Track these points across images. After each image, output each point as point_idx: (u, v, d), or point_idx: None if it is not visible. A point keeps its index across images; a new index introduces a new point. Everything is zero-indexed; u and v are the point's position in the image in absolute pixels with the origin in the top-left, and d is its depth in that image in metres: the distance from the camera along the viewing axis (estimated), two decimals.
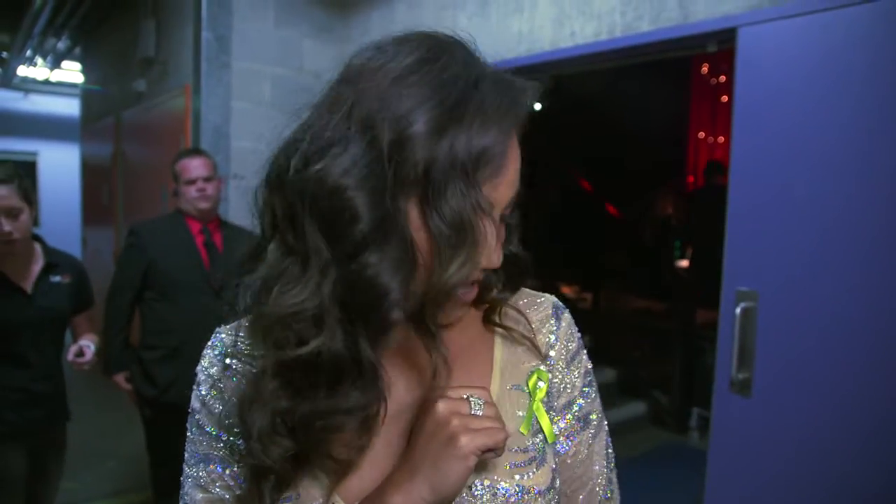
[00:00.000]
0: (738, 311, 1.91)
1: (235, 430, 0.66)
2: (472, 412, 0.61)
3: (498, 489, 0.64)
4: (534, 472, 0.66)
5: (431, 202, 0.53)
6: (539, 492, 0.66)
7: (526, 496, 0.65)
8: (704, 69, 5.54)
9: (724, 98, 5.56)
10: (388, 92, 0.55)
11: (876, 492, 1.68)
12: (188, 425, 0.72)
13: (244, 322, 0.69)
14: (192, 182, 2.47)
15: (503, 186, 0.58)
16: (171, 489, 2.55)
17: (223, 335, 0.72)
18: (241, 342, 0.69)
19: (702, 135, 5.82)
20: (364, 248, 0.54)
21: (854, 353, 1.72)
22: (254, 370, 0.64)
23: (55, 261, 2.17)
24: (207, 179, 2.49)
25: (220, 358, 0.70)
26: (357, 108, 0.55)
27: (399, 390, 0.67)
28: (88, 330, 2.31)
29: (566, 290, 5.40)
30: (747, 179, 1.93)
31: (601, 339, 4.54)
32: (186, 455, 0.72)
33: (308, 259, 0.57)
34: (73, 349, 2.16)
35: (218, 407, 0.68)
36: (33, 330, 2.05)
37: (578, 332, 0.77)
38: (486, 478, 0.64)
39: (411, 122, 0.53)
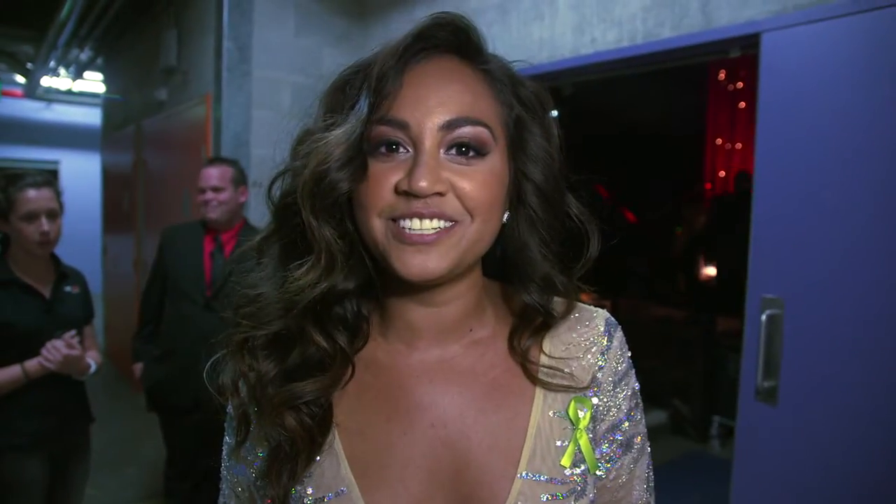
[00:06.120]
0: (763, 318, 1.89)
1: (259, 452, 0.68)
2: None
3: None
4: None
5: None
6: None
7: None
8: (721, 75, 5.50)
9: (742, 104, 5.52)
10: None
11: None
12: (226, 427, 0.74)
13: None
14: (201, 191, 2.49)
15: (407, 102, 0.63)
16: (173, 488, 2.61)
17: None
18: None
19: (719, 141, 5.77)
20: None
21: (883, 360, 1.69)
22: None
23: (65, 271, 2.21)
24: (216, 189, 2.46)
25: None
26: None
27: (437, 396, 0.67)
28: (93, 346, 2.31)
29: (584, 296, 5.32)
30: (772, 185, 1.92)
31: None
32: (223, 455, 0.74)
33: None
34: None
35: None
36: (52, 336, 2.07)
37: (629, 351, 0.75)
38: None
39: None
